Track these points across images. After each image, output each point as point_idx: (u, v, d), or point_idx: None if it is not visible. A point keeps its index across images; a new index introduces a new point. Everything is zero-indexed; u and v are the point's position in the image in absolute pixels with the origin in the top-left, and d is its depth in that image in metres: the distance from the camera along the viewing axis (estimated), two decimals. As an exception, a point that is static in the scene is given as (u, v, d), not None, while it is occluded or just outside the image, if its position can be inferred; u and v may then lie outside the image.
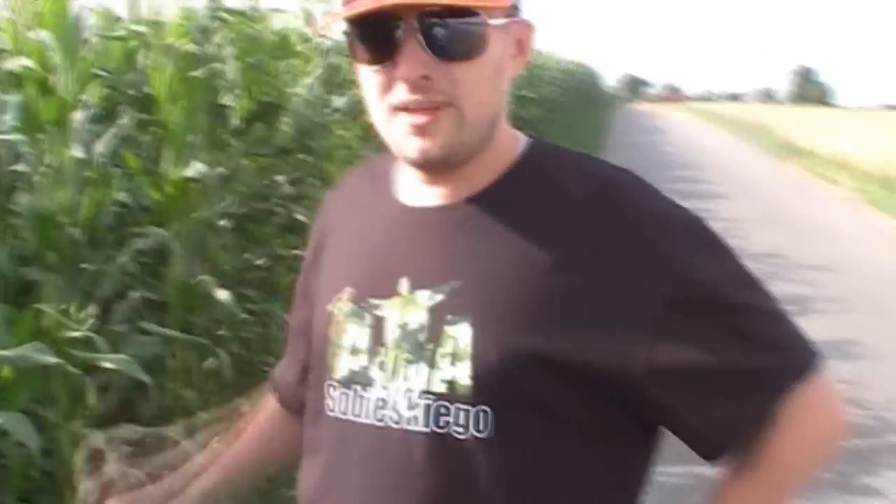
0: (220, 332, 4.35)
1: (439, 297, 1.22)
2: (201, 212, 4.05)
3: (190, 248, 3.95)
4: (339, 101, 5.88)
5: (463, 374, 1.19)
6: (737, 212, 12.30)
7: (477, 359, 1.18)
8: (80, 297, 3.38)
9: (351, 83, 6.76)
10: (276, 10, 5.18)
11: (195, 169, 3.73)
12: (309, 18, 5.57)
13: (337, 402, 1.30)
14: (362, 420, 1.26)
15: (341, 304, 1.32)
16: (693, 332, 1.19)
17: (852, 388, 6.01)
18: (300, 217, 5.09)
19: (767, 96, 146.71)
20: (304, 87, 5.10)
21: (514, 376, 1.18)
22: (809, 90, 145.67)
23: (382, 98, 1.22)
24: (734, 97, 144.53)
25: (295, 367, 1.56)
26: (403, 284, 1.26)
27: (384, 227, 1.34)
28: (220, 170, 4.10)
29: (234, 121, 4.44)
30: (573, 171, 1.29)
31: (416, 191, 1.31)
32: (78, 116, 3.23)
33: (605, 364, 1.18)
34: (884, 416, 5.80)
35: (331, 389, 1.32)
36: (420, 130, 1.20)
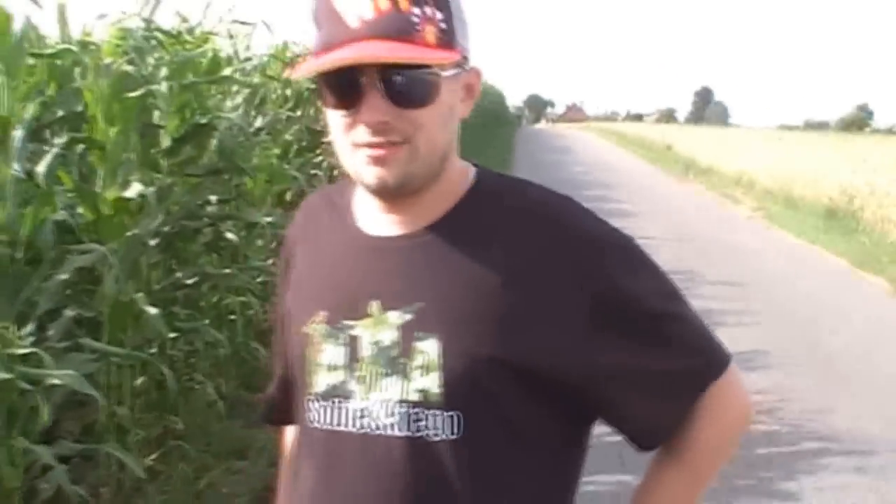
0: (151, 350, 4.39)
1: (408, 317, 1.36)
2: (134, 230, 4.08)
3: (122, 267, 3.98)
4: (260, 122, 5.95)
5: (434, 383, 1.33)
6: (645, 230, 12.56)
7: (445, 369, 1.33)
8: (19, 315, 3.41)
9: (272, 103, 6.86)
10: (210, 34, 5.23)
11: (135, 189, 3.75)
12: (234, 41, 5.65)
13: (318, 414, 1.42)
14: (343, 429, 1.39)
15: (316, 326, 1.44)
16: (622, 337, 1.37)
17: (766, 399, 6.28)
18: (228, 236, 5.15)
19: (669, 116, 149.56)
20: (230, 108, 5.15)
21: (479, 382, 1.33)
22: (709, 111, 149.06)
23: (346, 136, 1.35)
24: (637, 117, 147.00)
25: (280, 384, 1.64)
26: (374, 306, 1.38)
27: (349, 254, 1.46)
28: (152, 189, 4.13)
29: (165, 141, 4.48)
30: (518, 198, 1.44)
31: (376, 220, 1.44)
32: (17, 134, 3.27)
33: (550, 365, 1.34)
34: (798, 423, 6.04)
35: (311, 403, 1.43)
36: (378, 161, 1.33)
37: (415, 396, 1.34)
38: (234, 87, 5.60)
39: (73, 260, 3.61)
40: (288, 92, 7.44)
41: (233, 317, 5.74)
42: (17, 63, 3.18)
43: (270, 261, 5.89)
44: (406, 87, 1.30)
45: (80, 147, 4.01)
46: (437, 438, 1.34)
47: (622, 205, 17.11)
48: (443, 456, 1.34)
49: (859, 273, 12.18)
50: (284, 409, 1.59)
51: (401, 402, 1.34)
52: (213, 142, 4.94)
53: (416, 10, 1.28)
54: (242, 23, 6.04)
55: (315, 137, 7.60)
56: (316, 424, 1.43)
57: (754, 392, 6.23)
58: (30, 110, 3.43)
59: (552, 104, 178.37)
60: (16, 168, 3.23)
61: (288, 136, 6.96)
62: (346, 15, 1.29)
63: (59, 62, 4.10)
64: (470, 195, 1.43)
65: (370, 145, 1.33)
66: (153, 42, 4.33)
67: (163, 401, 4.84)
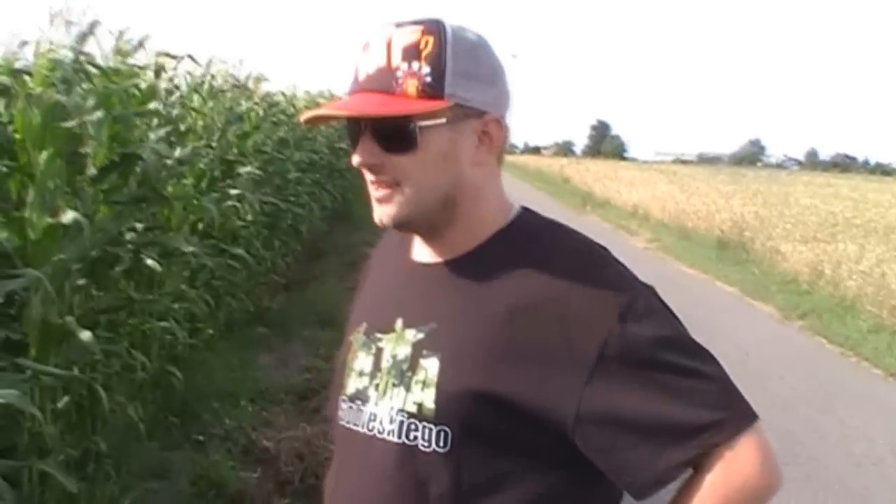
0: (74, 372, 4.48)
1: (420, 335, 1.51)
2: (60, 255, 4.19)
3: (48, 291, 4.08)
4: (179, 152, 6.07)
5: (429, 398, 1.45)
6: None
7: (440, 387, 1.45)
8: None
9: (193, 134, 6.98)
10: (140, 68, 5.36)
11: (69, 216, 3.88)
12: (160, 72, 5.78)
13: (345, 413, 1.59)
14: (359, 429, 1.55)
15: (357, 336, 1.63)
16: (627, 384, 1.40)
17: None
18: (148, 262, 5.26)
19: (566, 149, 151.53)
20: (153, 139, 5.29)
21: (467, 406, 1.43)
22: (606, 144, 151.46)
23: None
24: (535, 150, 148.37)
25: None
26: (398, 323, 1.55)
27: (397, 276, 1.64)
28: (79, 216, 4.24)
29: (91, 169, 4.61)
30: (549, 240, 1.55)
31: (421, 249, 1.60)
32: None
33: (543, 405, 1.41)
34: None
35: (342, 403, 1.60)
36: (379, 201, 1.51)
37: (412, 408, 1.46)
38: (154, 120, 5.72)
39: (5, 284, 3.72)
40: (200, 123, 7.56)
41: (149, 341, 5.85)
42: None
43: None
44: (387, 134, 1.45)
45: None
46: (428, 449, 1.45)
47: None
48: (430, 466, 1.45)
49: (749, 301, 12.75)
50: None
51: (400, 410, 1.47)
52: (136, 170, 5.07)
53: (404, 66, 1.43)
54: (169, 55, 6.17)
55: (229, 168, 7.73)
56: (342, 423, 1.60)
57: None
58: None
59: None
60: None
61: (202, 167, 7.08)
62: (358, 70, 1.48)
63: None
64: (502, 233, 1.55)
65: (371, 183, 1.50)
66: (81, 74, 4.44)
67: (83, 422, 4.94)
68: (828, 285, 13.20)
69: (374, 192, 1.51)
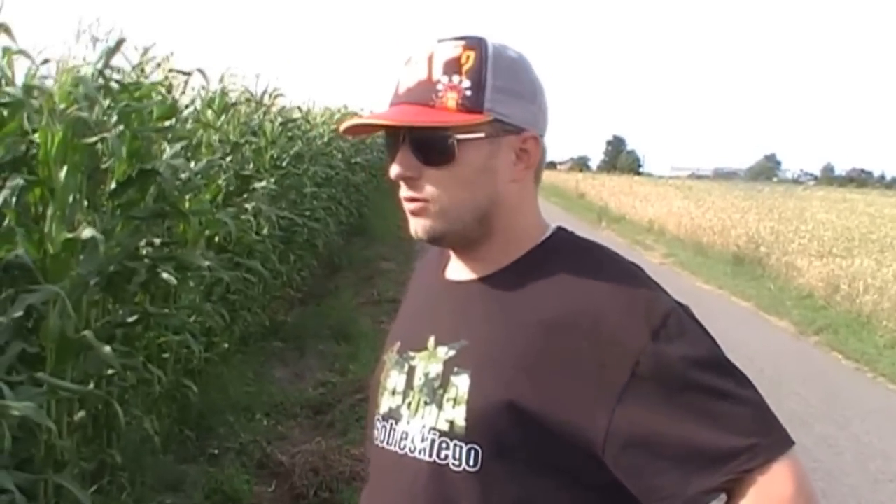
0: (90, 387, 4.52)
1: (451, 353, 1.49)
2: (78, 270, 4.24)
3: (66, 305, 4.12)
4: (194, 166, 6.11)
5: (460, 416, 1.43)
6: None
7: (470, 404, 1.43)
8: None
9: (207, 149, 7.03)
10: (158, 84, 5.41)
11: (87, 232, 3.92)
12: (171, 88, 5.83)
13: (379, 433, 1.58)
14: (392, 448, 1.53)
15: (391, 355, 1.62)
16: (655, 406, 1.36)
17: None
18: (164, 276, 5.30)
19: (582, 164, 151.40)
20: (170, 154, 5.33)
21: (497, 422, 1.41)
22: (622, 159, 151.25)
23: (400, 192, 1.53)
24: (551, 164, 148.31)
25: None
26: (431, 341, 1.54)
27: (430, 294, 1.65)
28: (96, 232, 4.28)
29: (111, 184, 4.66)
30: (584, 259, 1.52)
31: (456, 267, 1.60)
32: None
33: (572, 421, 1.39)
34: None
35: (377, 422, 1.59)
36: (413, 213, 1.51)
37: (444, 426, 1.45)
38: (170, 135, 5.77)
39: (25, 298, 3.75)
40: (216, 138, 7.61)
41: (165, 355, 5.89)
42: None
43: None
44: (424, 146, 1.46)
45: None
46: (458, 468, 1.43)
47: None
48: (460, 485, 1.43)
49: (765, 316, 12.72)
50: None
51: (432, 429, 1.46)
52: (153, 186, 5.11)
53: (445, 79, 1.45)
54: (180, 72, 6.22)
55: (245, 183, 7.78)
56: (377, 442, 1.58)
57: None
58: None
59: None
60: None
61: (220, 182, 7.13)
62: (399, 84, 1.50)
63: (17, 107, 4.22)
64: (536, 251, 1.54)
65: (405, 199, 1.50)
66: (104, 90, 4.49)
67: (98, 435, 4.97)
68: (844, 301, 13.16)
69: (409, 206, 1.51)
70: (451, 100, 1.44)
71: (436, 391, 1.48)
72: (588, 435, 1.38)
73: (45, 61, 4.62)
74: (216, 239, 7.14)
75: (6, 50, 4.36)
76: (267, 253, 8.43)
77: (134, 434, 5.12)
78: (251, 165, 8.54)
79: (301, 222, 10.29)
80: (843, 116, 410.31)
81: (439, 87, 1.45)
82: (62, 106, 4.04)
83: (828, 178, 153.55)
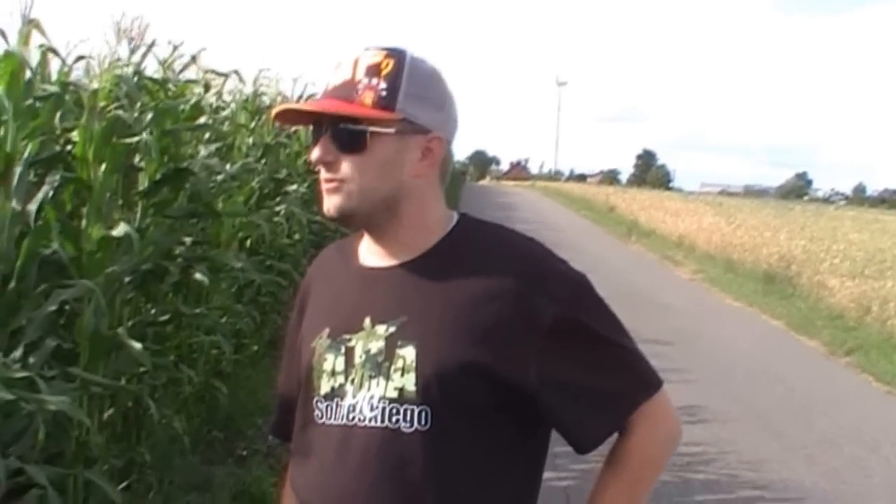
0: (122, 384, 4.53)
1: (392, 329, 1.67)
2: (113, 268, 4.25)
3: (100, 302, 4.13)
4: (229, 168, 6.13)
5: (409, 382, 1.63)
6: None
7: (420, 370, 1.62)
8: (7, 342, 3.56)
9: (238, 151, 7.07)
10: (191, 82, 5.44)
11: (122, 229, 3.94)
12: (208, 88, 5.86)
13: (322, 412, 1.73)
14: (338, 423, 1.69)
15: (322, 341, 1.76)
16: (572, 357, 1.67)
17: (705, 450, 6.61)
18: (197, 276, 5.32)
19: (612, 178, 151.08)
20: (203, 155, 5.35)
21: (447, 382, 1.62)
22: (652, 174, 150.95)
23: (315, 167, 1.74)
24: (581, 177, 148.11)
25: (284, 407, 1.97)
26: (367, 321, 1.71)
27: (351, 283, 1.80)
28: (130, 229, 4.30)
29: (144, 183, 4.68)
30: (493, 237, 1.79)
31: (371, 255, 1.79)
32: (18, 171, 3.45)
33: (509, 373, 1.63)
34: (734, 474, 6.34)
35: (318, 403, 1.74)
36: (326, 192, 1.71)
37: (393, 393, 1.63)
38: (206, 135, 5.80)
39: (59, 293, 3.78)
40: (250, 140, 7.66)
41: (194, 355, 5.90)
42: (24, 104, 3.37)
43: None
44: (342, 134, 1.67)
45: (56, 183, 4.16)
46: (409, 430, 1.62)
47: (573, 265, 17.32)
48: (414, 445, 1.62)
49: (795, 336, 12.62)
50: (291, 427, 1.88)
51: (382, 398, 1.64)
52: (187, 186, 5.13)
53: (365, 80, 1.67)
54: (216, 73, 6.26)
55: (278, 186, 7.81)
56: (319, 422, 1.73)
57: (694, 443, 6.54)
58: (29, 148, 3.62)
59: (497, 161, 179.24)
60: (15, 203, 3.40)
61: (253, 184, 7.16)
62: (328, 83, 1.71)
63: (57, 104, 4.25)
64: (451, 234, 1.76)
65: (324, 180, 1.70)
66: (142, 90, 4.52)
67: (128, 433, 4.99)
68: (875, 322, 13.04)
69: (327, 185, 1.71)
70: (368, 98, 1.66)
71: (380, 364, 1.66)
72: (520, 382, 1.64)
73: (80, 58, 4.62)
74: (248, 241, 7.18)
75: (41, 46, 4.39)
76: (298, 256, 8.47)
77: (163, 433, 5.14)
78: (285, 170, 8.58)
79: (332, 227, 10.30)
80: (875, 136, 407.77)
81: (360, 86, 1.67)
82: (102, 104, 4.06)
83: (859, 198, 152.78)
